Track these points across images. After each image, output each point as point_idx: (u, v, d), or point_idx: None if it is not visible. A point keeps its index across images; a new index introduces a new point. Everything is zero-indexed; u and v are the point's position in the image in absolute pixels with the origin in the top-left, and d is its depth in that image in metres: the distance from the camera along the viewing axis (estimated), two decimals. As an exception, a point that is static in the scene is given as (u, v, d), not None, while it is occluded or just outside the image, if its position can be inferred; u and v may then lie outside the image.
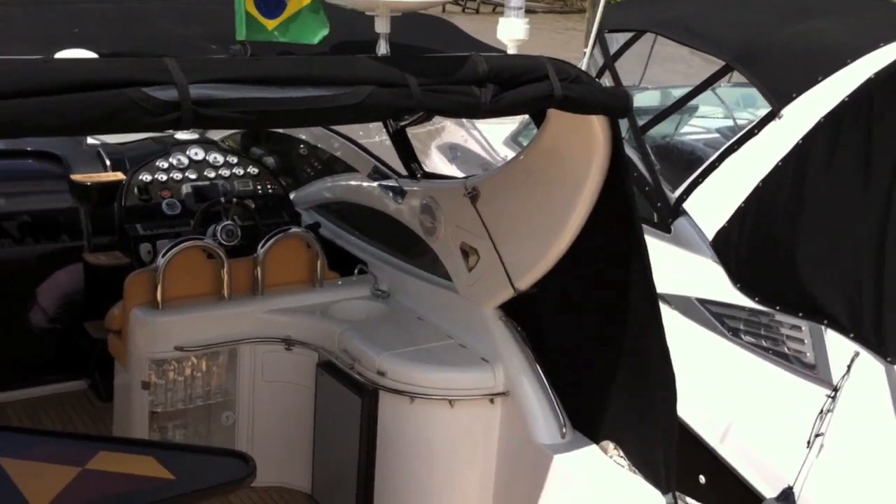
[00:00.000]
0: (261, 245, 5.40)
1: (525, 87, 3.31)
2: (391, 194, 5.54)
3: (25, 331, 6.26)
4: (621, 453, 4.30)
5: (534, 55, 3.52)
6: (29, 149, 6.62)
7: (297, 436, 5.30)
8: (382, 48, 5.27)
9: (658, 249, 5.31)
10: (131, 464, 3.90)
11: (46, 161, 6.54)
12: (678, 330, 5.13)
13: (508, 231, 4.51)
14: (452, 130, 8.53)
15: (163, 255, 5.13)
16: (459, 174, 6.84)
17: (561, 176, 4.06)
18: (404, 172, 5.52)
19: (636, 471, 4.19)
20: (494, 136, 8.55)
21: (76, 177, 6.32)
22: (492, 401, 4.66)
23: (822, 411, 4.61)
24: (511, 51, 10.33)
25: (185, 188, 6.40)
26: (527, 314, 4.71)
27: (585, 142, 3.81)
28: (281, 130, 7.07)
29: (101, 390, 6.16)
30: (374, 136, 6.79)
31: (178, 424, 5.27)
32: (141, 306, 5.12)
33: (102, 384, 6.06)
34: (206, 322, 5.15)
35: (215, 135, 7.32)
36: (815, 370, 4.88)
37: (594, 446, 4.40)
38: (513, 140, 8.69)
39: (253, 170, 6.67)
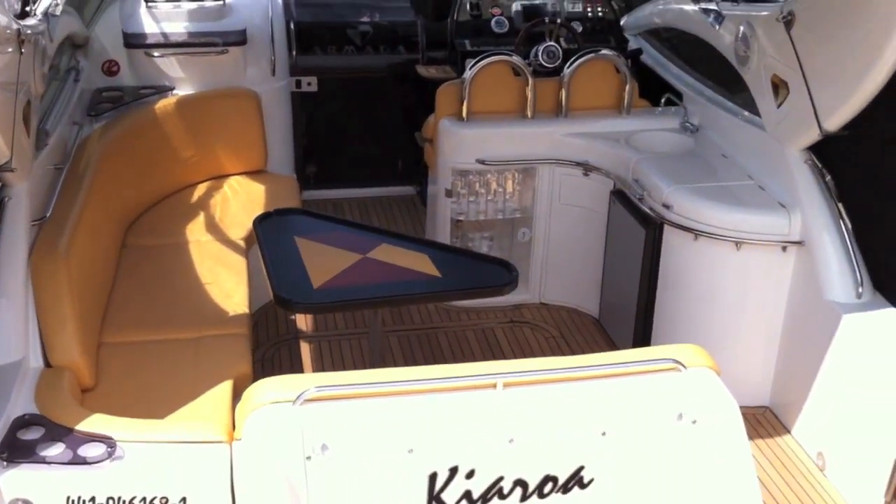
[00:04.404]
0: (567, 65, 5.33)
1: None
2: (711, 19, 5.17)
3: (365, 136, 6.81)
4: None
5: None
6: None
7: (589, 261, 5.34)
8: None
9: None
10: (406, 258, 4.18)
11: None
12: None
13: (821, 62, 4.05)
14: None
15: (469, 69, 5.26)
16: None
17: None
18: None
19: None
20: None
21: None
22: (784, 248, 4.36)
23: None
24: None
25: (515, 6, 6.43)
26: (837, 160, 4.28)
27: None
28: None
29: (425, 197, 6.59)
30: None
31: (478, 236, 5.54)
32: (449, 117, 5.34)
33: (426, 191, 6.47)
34: (508, 139, 5.26)
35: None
36: None
37: (893, 310, 4.00)
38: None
39: None
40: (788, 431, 4.42)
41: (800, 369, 4.32)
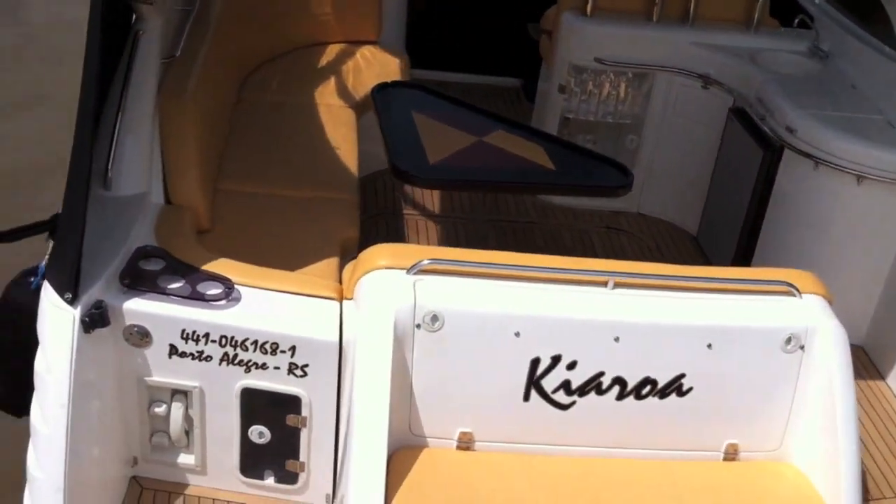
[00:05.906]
0: (702, -28, 5.16)
1: None
2: (863, -58, 4.94)
3: (475, 20, 6.67)
4: None
5: None
6: None
7: (695, 177, 5.25)
8: None
9: None
10: (521, 147, 4.13)
11: None
12: None
13: None
14: None
15: (602, -38, 5.11)
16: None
17: None
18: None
19: None
20: None
21: None
22: None
23: None
24: None
25: None
26: None
27: None
28: None
29: (529, 91, 6.50)
30: None
31: (586, 138, 5.45)
32: (572, 11, 5.21)
33: (532, 86, 6.38)
34: (630, 40, 5.13)
35: None
36: None
37: None
38: None
39: None
40: (880, 374, 4.38)
41: (902, 313, 4.26)
